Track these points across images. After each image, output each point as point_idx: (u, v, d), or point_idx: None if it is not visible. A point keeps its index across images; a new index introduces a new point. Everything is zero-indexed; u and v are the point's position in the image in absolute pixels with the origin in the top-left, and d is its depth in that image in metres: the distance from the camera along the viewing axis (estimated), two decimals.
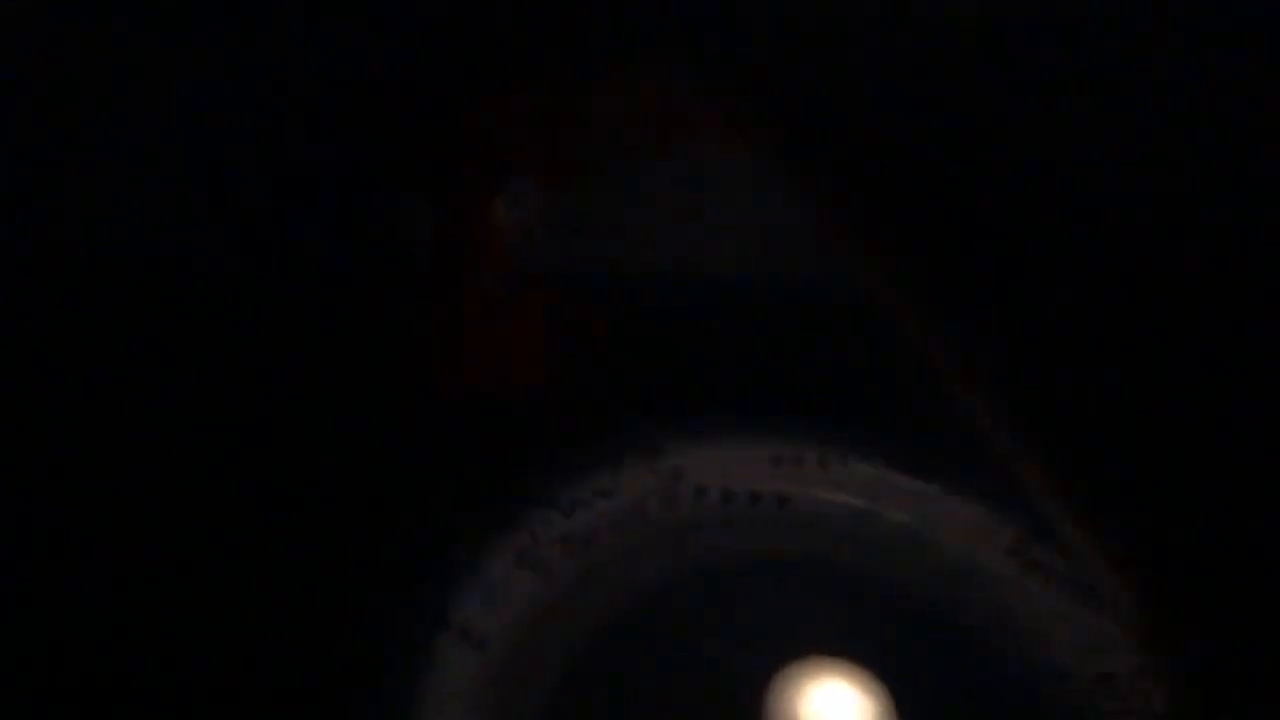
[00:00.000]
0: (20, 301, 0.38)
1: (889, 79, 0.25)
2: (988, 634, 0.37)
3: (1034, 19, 0.27)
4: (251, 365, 0.35)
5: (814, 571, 0.39)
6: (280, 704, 0.33)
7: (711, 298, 0.40)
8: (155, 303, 0.38)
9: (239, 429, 0.38)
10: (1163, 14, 0.23)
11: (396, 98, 0.32)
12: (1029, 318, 0.22)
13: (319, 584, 0.35)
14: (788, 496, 0.39)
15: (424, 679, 0.34)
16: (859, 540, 0.38)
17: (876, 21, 0.25)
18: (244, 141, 0.37)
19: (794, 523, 0.39)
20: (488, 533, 0.36)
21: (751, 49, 0.26)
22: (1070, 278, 0.20)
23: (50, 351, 0.37)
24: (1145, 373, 0.26)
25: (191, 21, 0.35)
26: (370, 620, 0.34)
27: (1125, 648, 0.34)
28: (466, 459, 0.38)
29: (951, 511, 0.37)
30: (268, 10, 0.36)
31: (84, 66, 0.36)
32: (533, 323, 0.37)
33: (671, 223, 0.41)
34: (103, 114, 0.37)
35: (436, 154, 0.32)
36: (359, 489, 0.37)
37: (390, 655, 0.34)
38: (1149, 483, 0.36)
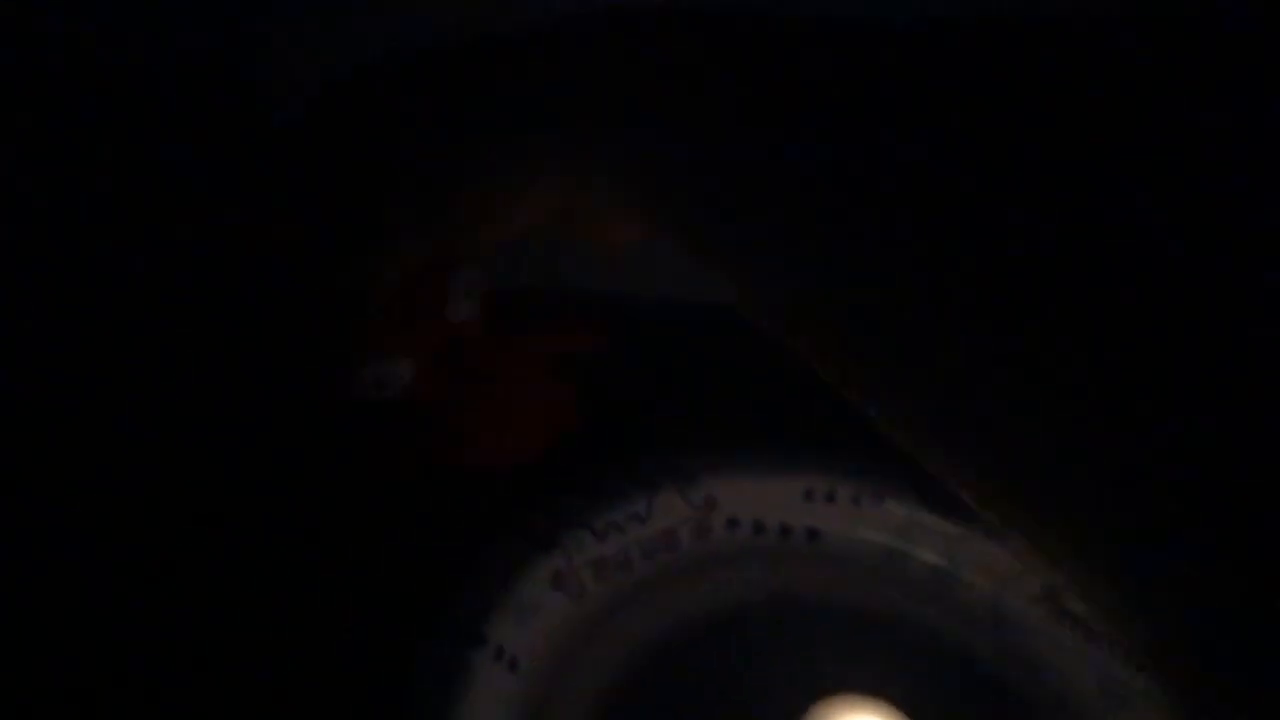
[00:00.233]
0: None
1: None
2: (1014, 678, 0.37)
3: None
4: (301, 390, 0.36)
5: (842, 607, 0.39)
6: None
7: (754, 330, 0.41)
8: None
9: (282, 453, 0.38)
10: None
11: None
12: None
13: (357, 602, 0.36)
14: (819, 531, 0.39)
15: (458, 698, 0.34)
16: (888, 578, 0.39)
17: None
18: None
19: (824, 557, 0.39)
20: (523, 554, 0.37)
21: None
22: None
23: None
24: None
25: None
26: (406, 638, 0.35)
27: (1150, 698, 0.35)
28: (503, 482, 0.38)
29: (982, 554, 0.38)
30: None
31: None
32: (546, 387, 0.37)
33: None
34: None
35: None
36: (398, 510, 0.38)
37: (426, 673, 0.34)
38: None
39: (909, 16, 0.22)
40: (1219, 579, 0.18)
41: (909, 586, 0.38)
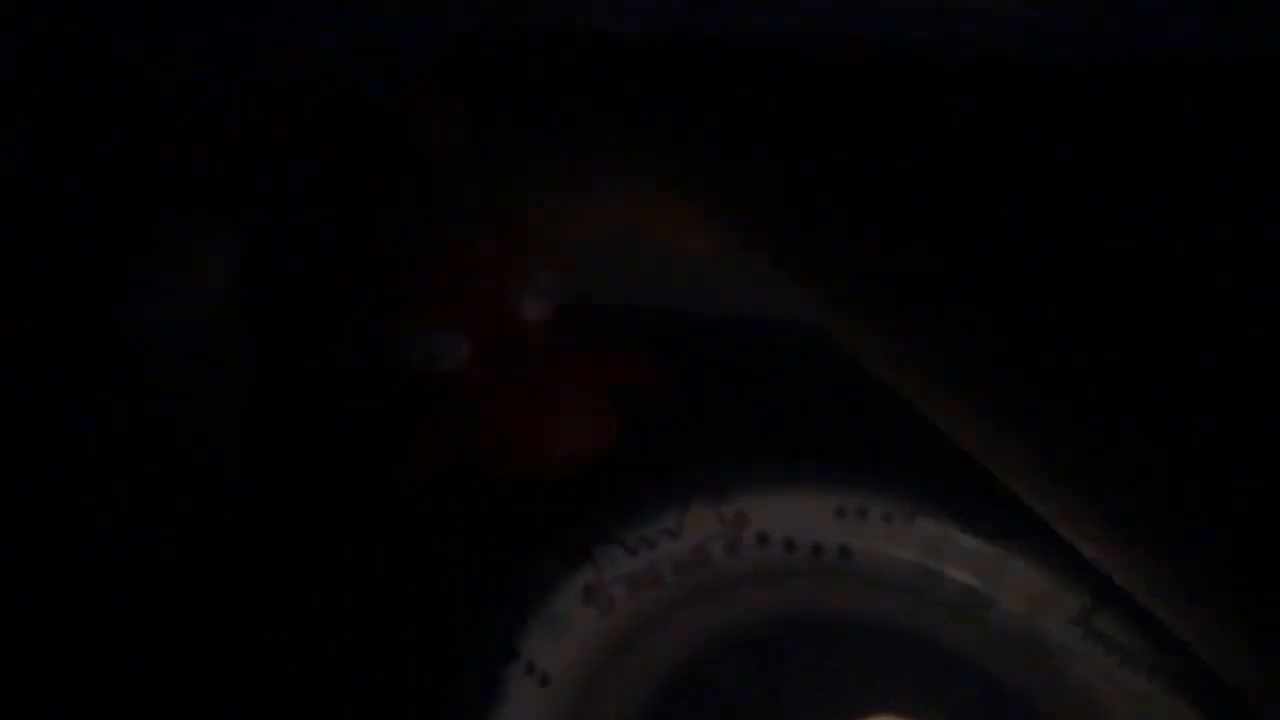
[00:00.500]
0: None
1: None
2: (1045, 701, 0.37)
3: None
4: (329, 406, 0.36)
5: (873, 625, 0.39)
6: None
7: (788, 345, 0.41)
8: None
9: (313, 468, 0.39)
10: None
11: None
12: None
13: (390, 616, 0.36)
14: (851, 549, 0.39)
15: (491, 711, 0.34)
16: (920, 597, 0.39)
17: None
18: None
19: (856, 575, 0.39)
20: (555, 568, 0.37)
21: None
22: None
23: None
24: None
25: None
26: (440, 652, 0.35)
27: None
28: (537, 496, 0.38)
29: (1015, 576, 0.38)
30: None
31: None
32: (592, 397, 0.37)
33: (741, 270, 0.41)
34: None
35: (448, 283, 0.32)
36: (431, 523, 0.38)
37: (459, 687, 0.35)
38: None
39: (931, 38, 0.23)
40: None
41: (942, 606, 0.38)
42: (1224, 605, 0.19)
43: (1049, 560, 0.37)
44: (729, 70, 0.24)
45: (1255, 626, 0.19)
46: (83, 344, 0.37)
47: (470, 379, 0.33)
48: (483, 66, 0.29)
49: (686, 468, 0.39)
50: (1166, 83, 0.20)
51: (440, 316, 0.32)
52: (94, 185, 0.34)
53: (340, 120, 0.32)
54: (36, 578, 0.36)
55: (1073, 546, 0.37)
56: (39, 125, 0.36)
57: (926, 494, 0.39)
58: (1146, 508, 0.20)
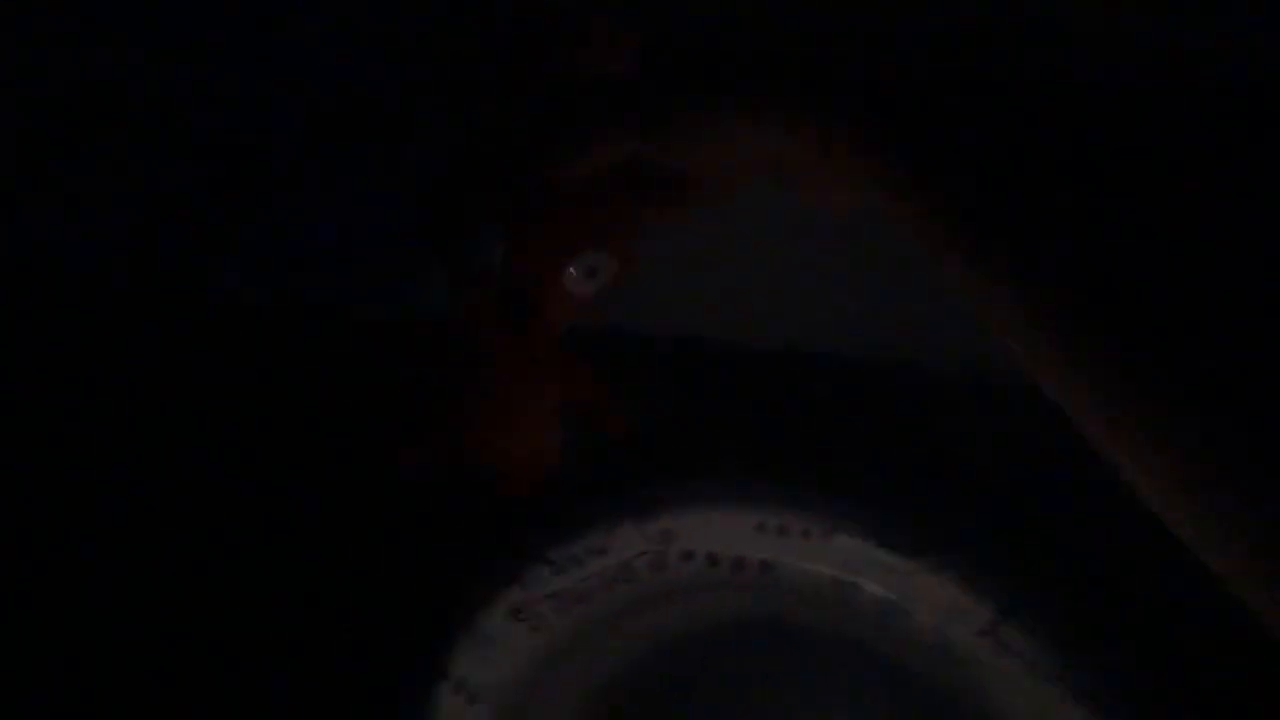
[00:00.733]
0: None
1: None
2: (956, 709, 0.38)
3: None
4: (268, 420, 0.37)
5: (793, 638, 0.41)
6: None
7: (709, 365, 0.42)
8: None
9: (243, 487, 0.40)
10: None
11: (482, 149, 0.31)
12: None
13: (318, 637, 0.38)
14: (771, 563, 0.40)
15: None
16: (838, 610, 0.40)
17: None
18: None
19: (776, 589, 0.40)
20: (484, 587, 0.39)
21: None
22: None
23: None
24: None
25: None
26: (368, 671, 0.37)
27: None
28: (464, 515, 0.40)
29: (929, 589, 0.39)
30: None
31: None
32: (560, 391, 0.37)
33: (676, 288, 0.42)
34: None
35: (518, 210, 0.31)
36: (359, 544, 0.40)
37: (387, 706, 0.36)
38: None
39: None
40: None
41: (858, 618, 0.40)
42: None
43: (960, 574, 0.38)
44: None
45: None
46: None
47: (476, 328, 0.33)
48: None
49: (612, 487, 0.40)
50: None
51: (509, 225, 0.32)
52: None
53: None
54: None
55: (982, 560, 0.39)
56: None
57: (844, 511, 0.40)
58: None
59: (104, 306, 0.42)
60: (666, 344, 0.43)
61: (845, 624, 0.40)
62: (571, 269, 0.32)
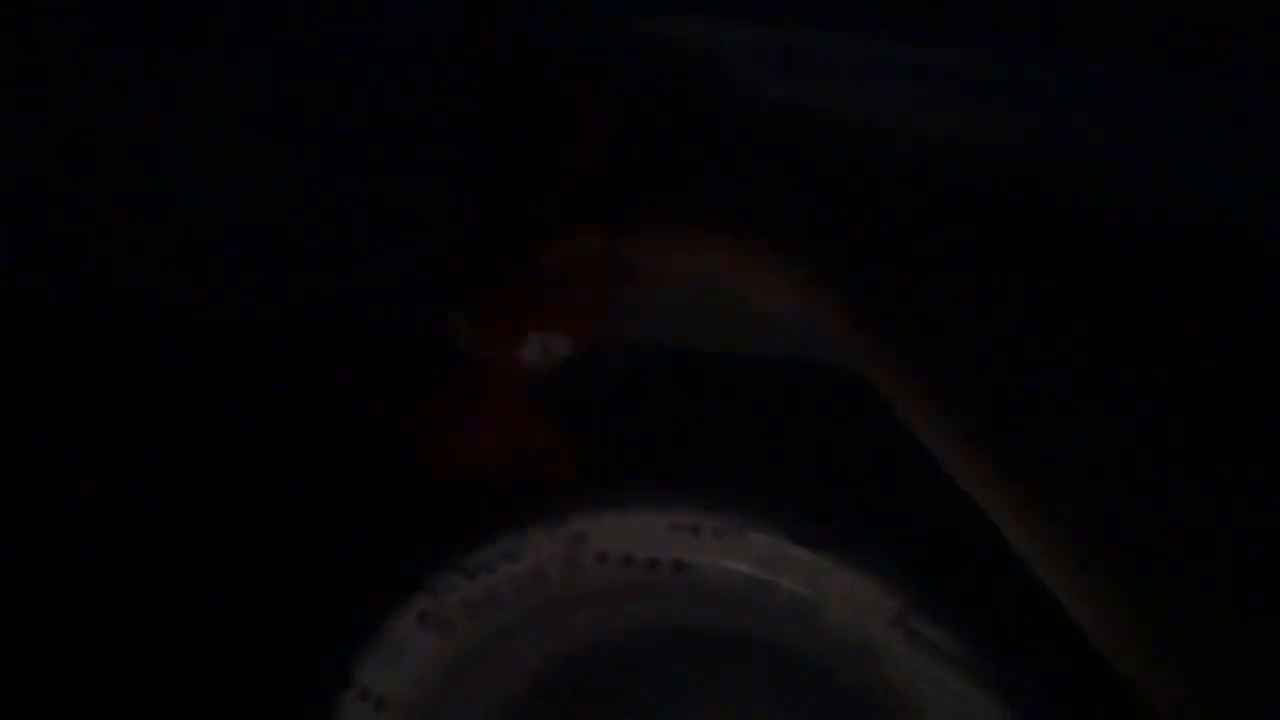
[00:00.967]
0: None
1: None
2: (869, 700, 0.38)
3: None
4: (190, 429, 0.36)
5: (708, 636, 0.40)
6: None
7: (617, 368, 0.42)
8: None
9: (147, 491, 0.39)
10: None
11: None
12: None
13: (220, 643, 0.36)
14: (685, 563, 0.40)
15: None
16: (753, 607, 0.40)
17: None
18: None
19: (690, 588, 0.40)
20: (391, 593, 0.37)
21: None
22: None
23: None
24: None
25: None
26: (272, 679, 0.35)
27: (994, 717, 0.36)
28: (372, 521, 0.39)
29: (841, 582, 0.39)
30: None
31: None
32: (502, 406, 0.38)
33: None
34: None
35: (489, 289, 0.34)
36: (263, 550, 0.38)
37: (292, 716, 0.35)
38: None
39: None
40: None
41: (773, 614, 0.40)
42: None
43: (871, 567, 0.39)
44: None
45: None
46: None
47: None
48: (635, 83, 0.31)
49: (523, 491, 0.40)
50: None
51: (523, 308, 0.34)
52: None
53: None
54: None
55: (891, 553, 0.39)
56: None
57: (756, 509, 0.40)
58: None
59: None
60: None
61: (760, 621, 0.40)
62: (530, 344, 0.34)
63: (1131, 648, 0.23)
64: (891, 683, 0.38)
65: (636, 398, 0.41)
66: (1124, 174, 0.34)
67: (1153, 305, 0.23)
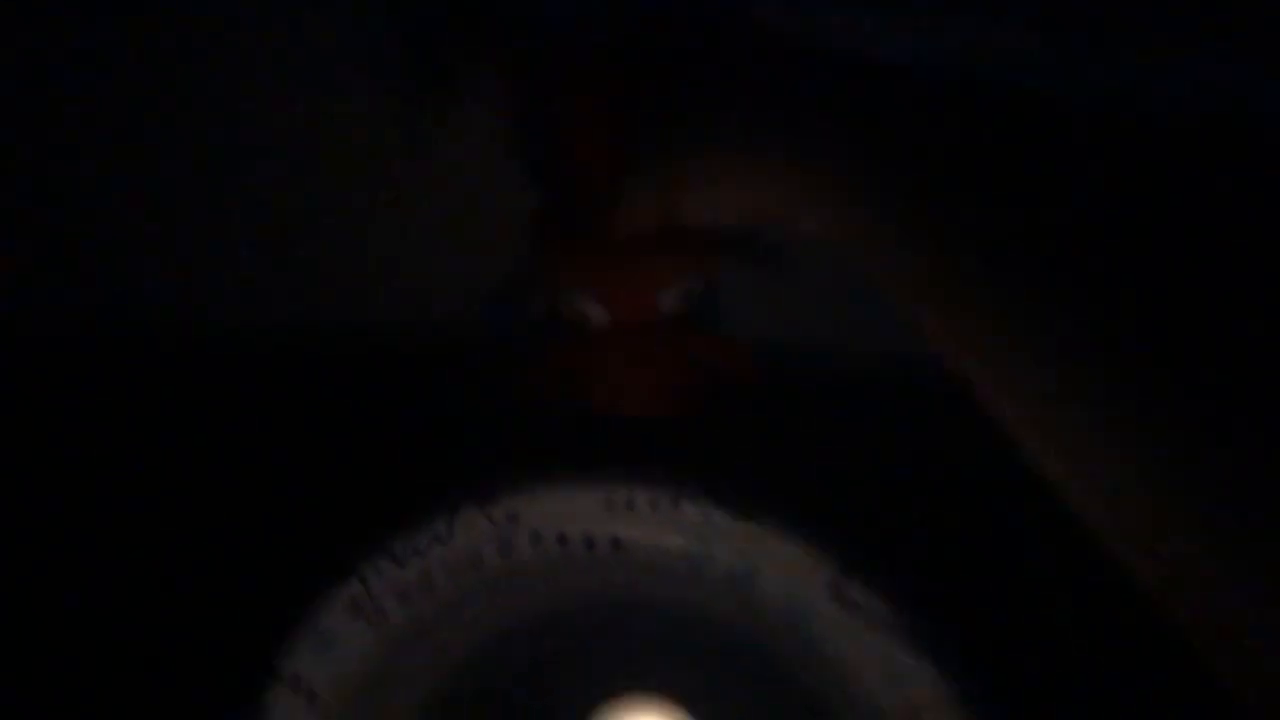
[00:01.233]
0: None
1: None
2: (804, 667, 0.38)
3: None
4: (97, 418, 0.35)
5: (647, 611, 0.40)
6: None
7: (546, 347, 0.41)
8: None
9: (77, 481, 0.38)
10: None
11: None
12: None
13: (148, 634, 0.35)
14: (621, 539, 0.40)
15: None
16: (689, 580, 0.40)
17: None
18: None
19: (628, 565, 0.40)
20: (319, 582, 0.37)
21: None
22: None
23: None
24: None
25: None
26: (198, 671, 0.35)
27: (927, 680, 0.36)
28: (299, 509, 0.38)
29: (775, 551, 0.39)
30: None
31: None
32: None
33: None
34: None
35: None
36: (191, 540, 0.37)
37: (221, 708, 0.34)
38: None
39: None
40: None
41: (709, 587, 0.40)
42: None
43: (804, 536, 0.39)
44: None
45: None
46: None
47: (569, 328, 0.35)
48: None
49: (453, 473, 0.39)
50: None
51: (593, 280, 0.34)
52: None
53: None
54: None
55: (825, 522, 0.39)
56: None
57: (688, 481, 0.40)
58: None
59: None
60: (506, 329, 0.42)
61: (695, 593, 0.40)
62: (664, 299, 0.34)
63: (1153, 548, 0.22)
64: (827, 650, 0.38)
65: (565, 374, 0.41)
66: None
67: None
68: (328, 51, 0.37)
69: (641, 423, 0.42)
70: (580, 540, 0.40)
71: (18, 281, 0.40)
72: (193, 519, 0.38)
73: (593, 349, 0.36)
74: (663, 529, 0.40)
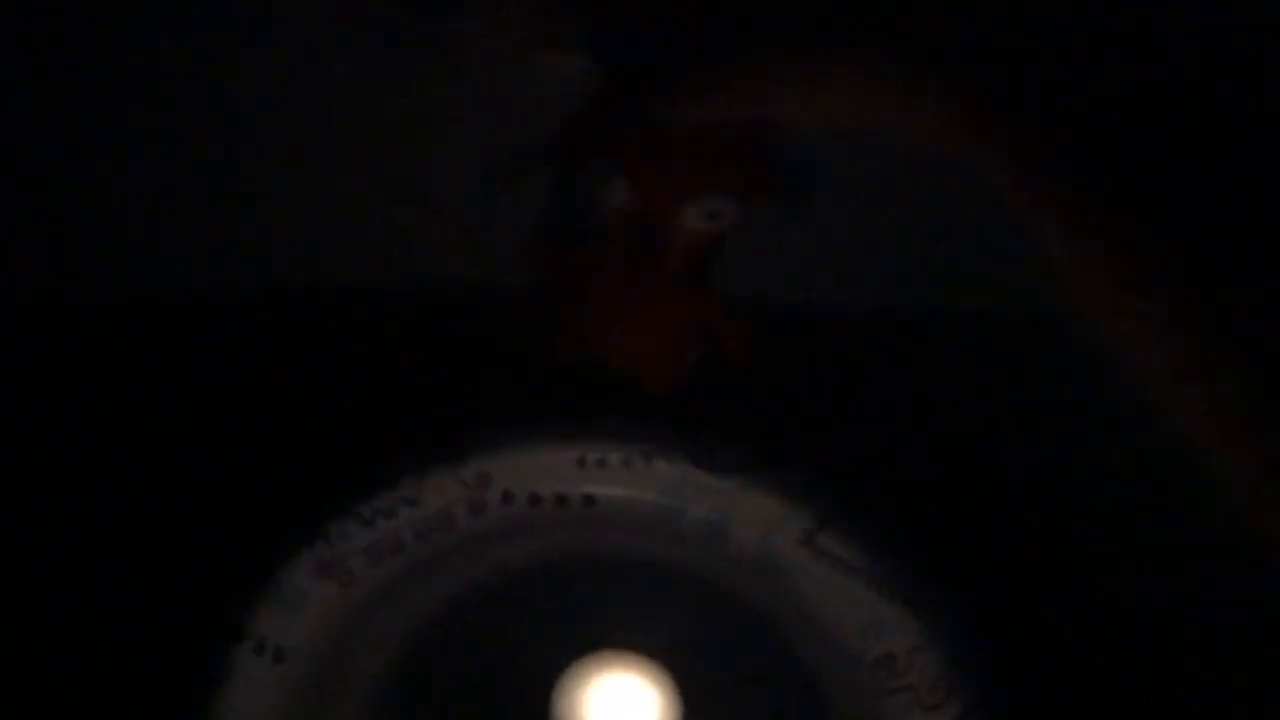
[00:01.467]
0: None
1: None
2: (780, 619, 0.38)
3: None
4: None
5: (621, 568, 0.40)
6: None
7: (508, 304, 0.41)
8: None
9: (40, 444, 0.37)
10: None
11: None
12: None
13: (114, 597, 0.35)
14: (594, 497, 0.40)
15: (221, 692, 0.34)
16: (663, 536, 0.39)
17: None
18: None
19: (601, 522, 0.40)
20: (287, 542, 0.36)
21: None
22: None
23: None
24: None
25: None
26: (165, 632, 0.34)
27: (904, 629, 0.36)
28: (266, 468, 0.38)
29: (747, 505, 0.39)
30: None
31: None
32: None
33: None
34: None
35: (637, 148, 0.32)
36: (156, 502, 0.37)
37: (186, 668, 0.34)
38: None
39: None
40: None
41: (683, 541, 0.39)
42: None
43: (776, 488, 0.39)
44: None
45: None
46: None
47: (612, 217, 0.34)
48: None
49: (422, 432, 0.39)
50: None
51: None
52: None
53: None
54: None
55: (797, 473, 0.39)
56: None
57: (660, 437, 0.40)
58: None
59: None
60: (469, 293, 0.42)
61: (670, 548, 0.39)
62: (693, 208, 0.33)
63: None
64: (803, 602, 0.38)
65: (526, 332, 0.41)
66: None
67: None
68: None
69: (615, 379, 0.42)
70: (552, 499, 0.40)
71: None
72: (160, 479, 0.38)
73: (597, 302, 0.36)
74: (636, 486, 0.40)
